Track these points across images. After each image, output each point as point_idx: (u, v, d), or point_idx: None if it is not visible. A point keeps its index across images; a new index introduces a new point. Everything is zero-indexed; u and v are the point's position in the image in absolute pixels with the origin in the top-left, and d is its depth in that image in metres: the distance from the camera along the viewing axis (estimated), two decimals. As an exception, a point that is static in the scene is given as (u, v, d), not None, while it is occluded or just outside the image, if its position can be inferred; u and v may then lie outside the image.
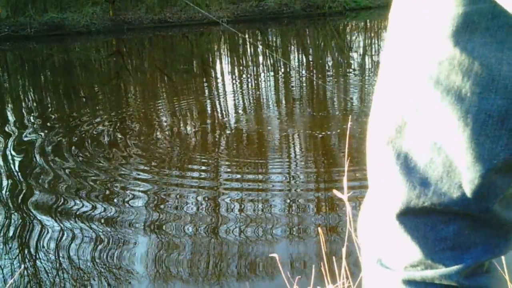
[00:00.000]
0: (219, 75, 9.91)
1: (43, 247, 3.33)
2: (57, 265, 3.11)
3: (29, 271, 3.08)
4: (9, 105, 8.55)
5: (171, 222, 3.59)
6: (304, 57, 11.80)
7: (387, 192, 0.46)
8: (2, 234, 3.56)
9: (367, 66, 9.77)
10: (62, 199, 4.03)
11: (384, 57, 0.47)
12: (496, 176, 0.40)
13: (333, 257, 1.74)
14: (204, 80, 9.41)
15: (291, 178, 4.26)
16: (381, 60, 0.47)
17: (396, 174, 0.44)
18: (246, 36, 14.45)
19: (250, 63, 11.63)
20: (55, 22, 17.04)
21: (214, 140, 5.55)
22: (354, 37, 14.82)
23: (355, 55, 11.37)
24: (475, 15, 0.38)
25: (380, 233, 0.47)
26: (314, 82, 8.60)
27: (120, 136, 5.81)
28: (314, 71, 9.54)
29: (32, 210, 3.89)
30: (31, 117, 7.23)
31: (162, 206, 3.83)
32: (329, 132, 5.31)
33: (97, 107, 7.46)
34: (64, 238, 3.42)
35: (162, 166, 4.73)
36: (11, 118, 7.40)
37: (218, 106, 7.28)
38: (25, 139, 5.85)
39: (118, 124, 6.39)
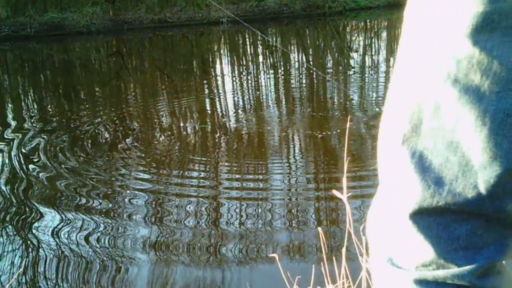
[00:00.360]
0: (219, 75, 9.91)
1: (45, 238, 3.34)
2: (59, 253, 3.12)
3: (32, 261, 3.08)
4: (9, 105, 8.55)
5: (171, 224, 3.59)
6: (304, 57, 11.80)
7: (400, 191, 0.46)
8: (4, 228, 3.56)
9: (367, 66, 9.77)
10: (62, 199, 4.04)
11: (400, 54, 0.46)
12: None
13: (333, 257, 1.74)
14: (204, 80, 9.41)
15: (291, 178, 4.26)
16: (396, 58, 0.47)
17: (411, 173, 0.44)
18: (266, 36, 14.47)
19: (250, 63, 11.63)
20: (55, 22, 17.04)
21: (213, 140, 5.55)
22: (354, 37, 14.82)
23: (355, 55, 11.37)
24: (495, 14, 0.37)
25: (392, 232, 0.47)
26: (314, 74, 8.60)
27: (120, 136, 5.82)
28: (313, 68, 9.55)
29: (33, 208, 3.90)
30: (31, 117, 7.23)
31: (162, 207, 3.83)
32: (329, 132, 5.32)
33: (97, 107, 7.46)
34: (65, 231, 3.43)
35: (161, 166, 4.73)
36: (11, 118, 7.40)
37: (218, 106, 7.28)
38: (25, 139, 5.85)
39: (118, 124, 6.39)
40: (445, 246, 0.44)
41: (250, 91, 8.28)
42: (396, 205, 0.46)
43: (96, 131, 6.12)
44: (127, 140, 5.63)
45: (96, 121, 6.57)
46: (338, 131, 5.27)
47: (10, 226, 3.67)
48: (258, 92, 8.12)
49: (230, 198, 3.89)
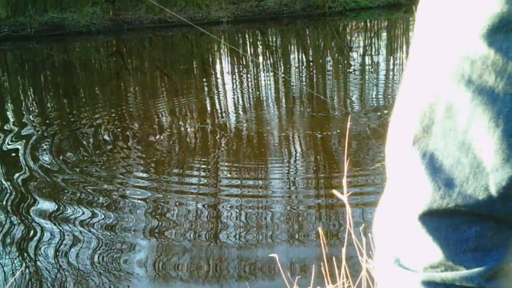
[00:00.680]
0: (219, 75, 9.91)
1: (42, 247, 3.34)
2: (57, 262, 3.11)
3: (30, 270, 3.08)
4: (9, 105, 8.55)
5: (171, 225, 3.59)
6: (304, 57, 11.80)
7: (409, 192, 0.45)
8: (2, 234, 3.56)
9: (367, 66, 9.77)
10: (62, 198, 4.04)
11: (412, 54, 0.46)
12: None
13: (333, 257, 1.74)
14: (204, 80, 9.41)
15: (291, 179, 4.26)
16: (408, 57, 0.47)
17: (421, 173, 0.43)
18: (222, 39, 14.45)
19: (250, 63, 11.63)
20: (55, 22, 17.04)
21: (213, 140, 5.55)
22: (354, 37, 14.82)
23: (355, 55, 11.37)
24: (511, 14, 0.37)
25: (400, 233, 0.47)
26: (314, 74, 8.61)
27: (120, 136, 5.82)
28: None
29: (32, 208, 3.89)
30: (31, 117, 7.23)
31: (161, 208, 3.83)
32: (329, 133, 5.31)
33: (97, 107, 7.46)
34: (63, 237, 3.42)
35: (161, 167, 4.73)
36: (11, 118, 7.40)
37: (218, 105, 7.28)
38: (25, 138, 5.85)
39: (118, 124, 6.39)
40: (454, 248, 0.43)
41: (250, 91, 8.28)
42: (405, 205, 0.46)
43: (96, 131, 6.12)
44: (127, 140, 5.64)
45: (96, 121, 6.57)
46: (338, 131, 5.27)
47: (9, 226, 3.67)
48: (258, 92, 8.12)
49: (231, 195, 3.90)
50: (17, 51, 15.36)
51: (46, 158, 5.10)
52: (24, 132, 6.20)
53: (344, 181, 1.36)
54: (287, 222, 3.46)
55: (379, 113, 5.96)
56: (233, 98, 7.66)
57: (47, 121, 6.78)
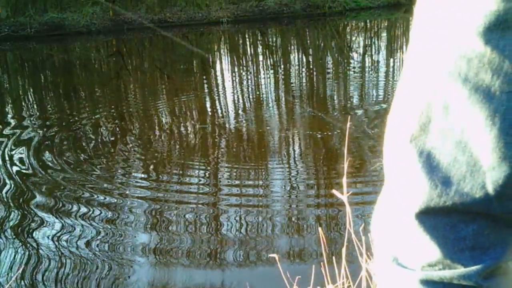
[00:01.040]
0: (219, 75, 9.91)
1: (44, 240, 3.34)
2: (59, 254, 3.11)
3: (31, 261, 3.08)
4: (9, 105, 8.55)
5: (170, 225, 3.59)
6: (304, 57, 11.80)
7: (407, 190, 0.45)
8: (3, 229, 3.56)
9: (367, 66, 9.77)
10: (62, 197, 4.04)
11: (410, 52, 0.46)
12: None
13: (333, 257, 1.74)
14: (204, 80, 9.40)
15: (291, 179, 4.26)
16: (406, 55, 0.46)
17: (418, 172, 0.43)
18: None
19: (250, 63, 11.62)
20: (55, 22, 17.03)
21: (213, 141, 5.55)
22: (354, 37, 14.82)
23: (355, 55, 11.37)
24: (509, 13, 0.37)
25: (398, 232, 0.47)
26: (314, 73, 8.60)
27: (119, 136, 5.82)
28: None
29: (32, 208, 3.89)
30: (31, 117, 7.23)
31: (161, 208, 3.83)
32: (329, 133, 5.31)
33: (97, 107, 7.46)
34: (65, 232, 3.42)
35: (161, 167, 4.73)
36: (11, 118, 7.40)
37: (218, 105, 7.28)
38: (25, 138, 5.85)
39: (118, 124, 6.39)
40: (451, 246, 0.43)
41: (250, 91, 8.28)
42: (402, 204, 0.46)
43: (96, 130, 6.12)
44: (126, 140, 5.63)
45: (96, 121, 6.57)
46: (338, 131, 5.27)
47: (8, 229, 3.67)
48: (258, 92, 8.12)
49: (230, 194, 3.90)
50: (17, 51, 15.36)
51: (45, 158, 5.10)
52: (23, 131, 6.20)
53: (344, 181, 1.36)
54: (287, 222, 3.46)
55: (379, 112, 5.96)
56: (233, 98, 7.66)
57: (47, 121, 6.78)
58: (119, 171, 4.68)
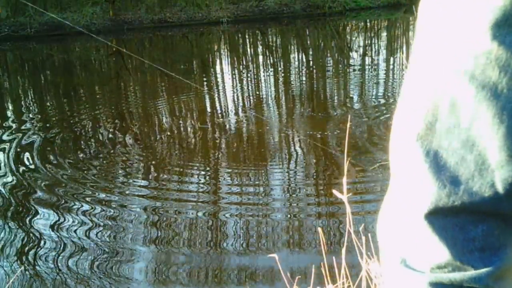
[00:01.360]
0: (219, 75, 9.91)
1: (44, 240, 3.34)
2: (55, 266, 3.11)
3: (29, 272, 3.08)
4: (9, 105, 8.55)
5: (170, 223, 3.59)
6: (304, 57, 11.80)
7: (414, 191, 0.44)
8: (3, 229, 3.56)
9: (367, 66, 9.77)
10: (61, 196, 4.04)
11: (415, 50, 0.45)
12: None
13: (333, 257, 1.74)
14: (204, 80, 9.40)
15: (291, 179, 4.26)
16: (411, 52, 0.46)
17: (425, 172, 0.43)
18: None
19: (250, 63, 11.62)
20: (55, 22, 17.04)
21: (214, 141, 5.55)
22: (354, 37, 14.82)
23: (355, 55, 11.37)
24: None
25: (406, 233, 0.46)
26: (314, 73, 8.60)
27: (119, 136, 5.82)
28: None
29: (32, 207, 3.89)
30: (31, 117, 7.23)
31: (161, 204, 3.83)
32: (329, 133, 5.31)
33: (97, 107, 7.46)
34: (65, 232, 3.43)
35: (160, 168, 4.73)
36: (11, 118, 7.40)
37: (218, 106, 7.28)
38: (25, 138, 5.85)
39: (118, 124, 6.39)
40: (461, 248, 0.43)
41: (250, 91, 8.28)
42: (410, 205, 0.45)
43: (96, 130, 6.12)
44: (126, 140, 5.63)
45: (96, 120, 6.57)
46: (338, 131, 5.27)
47: (8, 227, 3.67)
48: (258, 92, 8.12)
49: (230, 193, 3.89)
50: (17, 51, 15.36)
51: (46, 157, 5.10)
52: (23, 131, 6.20)
53: (344, 181, 1.36)
54: (287, 223, 3.46)
55: (379, 113, 5.96)
56: (233, 97, 7.66)
57: (47, 121, 6.78)
58: (119, 171, 4.68)
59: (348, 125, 1.70)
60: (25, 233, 3.55)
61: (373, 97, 7.06)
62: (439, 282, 0.44)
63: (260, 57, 12.27)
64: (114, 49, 13.53)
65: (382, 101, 6.69)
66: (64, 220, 3.68)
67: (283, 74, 9.47)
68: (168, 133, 5.93)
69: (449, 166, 0.42)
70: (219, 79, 9.36)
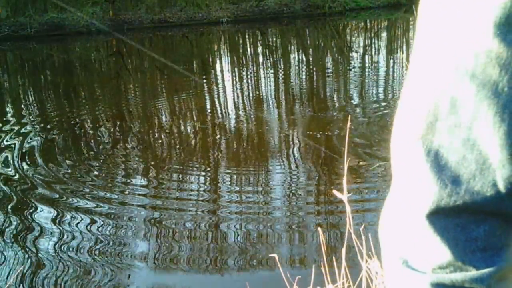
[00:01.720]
0: (219, 75, 9.91)
1: (44, 240, 3.34)
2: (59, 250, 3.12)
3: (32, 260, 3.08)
4: (9, 105, 8.55)
5: (170, 222, 3.59)
6: (304, 57, 11.80)
7: (416, 191, 0.44)
8: (2, 230, 3.56)
9: (367, 66, 9.77)
10: (61, 196, 4.04)
11: (415, 49, 0.44)
12: None
13: (333, 257, 1.74)
14: (204, 80, 9.40)
15: (291, 178, 4.26)
16: (412, 52, 0.46)
17: (426, 171, 0.42)
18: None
19: (250, 63, 11.62)
20: (55, 22, 17.05)
21: (214, 141, 5.55)
22: (354, 37, 14.82)
23: (355, 55, 11.37)
24: None
25: (407, 233, 0.45)
26: (314, 73, 8.60)
27: (119, 136, 5.82)
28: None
29: (33, 204, 3.89)
30: (31, 117, 7.23)
31: (162, 204, 3.83)
32: (329, 133, 5.31)
33: (97, 107, 7.46)
34: (65, 232, 3.43)
35: (160, 168, 4.73)
36: (11, 118, 7.40)
37: (218, 106, 7.28)
38: (25, 138, 5.85)
39: (118, 124, 6.39)
40: (462, 248, 0.42)
41: (250, 91, 8.28)
42: (411, 205, 0.45)
43: (96, 130, 6.13)
44: (126, 140, 5.63)
45: (96, 120, 6.57)
46: (337, 131, 5.27)
47: (8, 229, 3.67)
48: (257, 92, 8.12)
49: (230, 192, 3.90)
50: (17, 51, 15.36)
51: (45, 157, 5.10)
52: (23, 131, 6.20)
53: (344, 181, 1.36)
54: (287, 222, 3.46)
55: (379, 113, 5.96)
56: (233, 97, 7.66)
57: (47, 121, 6.78)
58: (119, 172, 4.68)
59: (348, 125, 1.70)
60: (27, 224, 3.56)
61: (373, 97, 7.06)
62: (440, 283, 0.44)
63: (260, 57, 12.27)
64: (114, 49, 13.53)
65: (382, 101, 6.69)
66: (65, 214, 3.68)
67: (283, 74, 9.47)
68: (168, 133, 5.93)
69: (450, 165, 0.41)
70: (219, 79, 9.36)
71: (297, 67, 10.40)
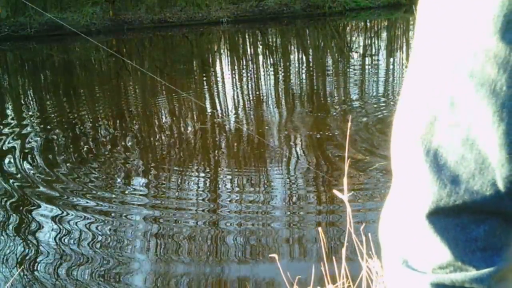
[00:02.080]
0: (219, 75, 9.91)
1: (44, 239, 3.34)
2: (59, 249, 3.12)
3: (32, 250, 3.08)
4: (9, 105, 8.55)
5: (171, 220, 3.59)
6: (304, 56, 11.80)
7: (415, 191, 0.44)
8: (3, 230, 3.56)
9: (367, 66, 9.77)
10: (61, 195, 4.04)
11: (414, 49, 0.44)
12: None
13: (333, 257, 1.74)
14: (204, 80, 9.40)
15: (291, 178, 4.26)
16: (411, 52, 0.46)
17: (426, 171, 0.42)
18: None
19: (250, 63, 11.62)
20: (55, 22, 17.05)
21: (214, 141, 5.55)
22: (354, 37, 14.82)
23: (355, 55, 11.37)
24: None
25: (407, 233, 0.45)
26: (314, 74, 8.60)
27: (119, 136, 5.82)
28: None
29: (34, 202, 3.90)
30: (31, 117, 7.23)
31: (162, 201, 3.83)
32: (329, 133, 5.31)
33: (97, 107, 7.46)
34: (65, 232, 3.43)
35: (160, 168, 4.73)
36: (11, 118, 7.40)
37: (218, 106, 7.28)
38: (25, 138, 5.85)
39: (118, 124, 6.39)
40: (462, 248, 0.42)
41: (250, 91, 8.28)
42: (411, 205, 0.45)
43: (96, 131, 6.12)
44: (126, 140, 5.63)
45: (96, 120, 6.57)
46: (337, 131, 5.27)
47: (8, 228, 3.67)
48: (257, 92, 8.12)
49: (230, 192, 3.90)
50: (17, 51, 15.36)
51: (44, 157, 5.10)
52: (23, 131, 6.20)
53: (345, 181, 1.36)
54: (287, 222, 3.46)
55: (379, 113, 5.96)
56: (233, 97, 7.66)
57: (47, 121, 6.77)
58: (118, 172, 4.68)
59: (349, 125, 1.70)
60: (24, 241, 3.56)
61: (373, 97, 7.06)
62: (440, 283, 0.44)
63: (260, 57, 12.27)
64: (114, 49, 13.53)
65: (382, 101, 6.69)
66: (65, 214, 3.68)
67: (283, 74, 9.48)
68: (168, 133, 5.93)
69: (449, 165, 0.41)
70: (219, 79, 9.36)
71: (297, 67, 10.40)
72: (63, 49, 15.34)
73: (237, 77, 9.69)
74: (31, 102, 8.69)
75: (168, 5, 19.00)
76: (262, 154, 4.87)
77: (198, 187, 4.16)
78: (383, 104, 6.44)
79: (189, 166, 4.64)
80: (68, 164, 4.84)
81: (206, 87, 8.70)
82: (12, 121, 7.03)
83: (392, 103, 6.41)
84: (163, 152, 5.18)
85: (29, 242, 3.43)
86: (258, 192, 3.98)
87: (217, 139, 5.59)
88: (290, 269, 2.84)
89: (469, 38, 0.39)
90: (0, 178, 4.61)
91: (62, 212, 3.80)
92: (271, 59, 11.82)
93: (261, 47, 13.97)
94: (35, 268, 3.10)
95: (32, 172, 4.70)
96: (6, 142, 5.75)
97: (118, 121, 6.55)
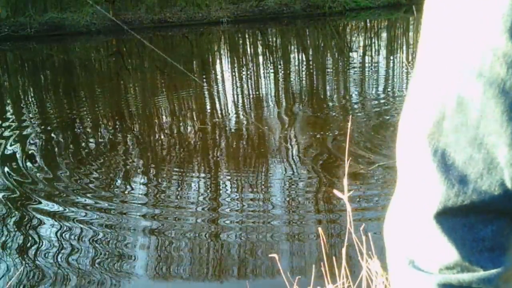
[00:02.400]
0: (219, 75, 9.91)
1: (44, 239, 3.34)
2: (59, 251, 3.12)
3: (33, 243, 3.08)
4: (9, 105, 8.55)
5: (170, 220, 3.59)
6: (304, 56, 11.80)
7: (423, 191, 0.43)
8: (3, 230, 3.56)
9: (367, 66, 9.77)
10: (61, 195, 4.04)
11: (421, 48, 0.44)
12: None
13: (333, 257, 1.74)
14: (204, 80, 9.40)
15: (291, 178, 4.26)
16: (418, 51, 0.45)
17: (433, 171, 0.42)
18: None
19: (250, 63, 11.62)
20: (55, 22, 17.05)
21: (214, 141, 5.55)
22: (354, 37, 14.82)
23: (355, 55, 11.37)
24: None
25: (414, 234, 0.45)
26: (314, 73, 8.60)
27: (119, 136, 5.82)
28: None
29: (33, 204, 3.89)
30: (31, 117, 7.23)
31: (162, 202, 3.83)
32: (330, 133, 5.31)
33: (96, 107, 7.46)
34: (65, 232, 3.43)
35: (160, 168, 4.73)
36: (11, 118, 7.40)
37: (218, 106, 7.28)
38: (25, 139, 5.85)
39: (118, 124, 6.39)
40: (470, 248, 0.42)
41: (250, 91, 8.28)
42: (418, 205, 0.44)
43: (96, 131, 6.12)
44: (126, 140, 5.63)
45: (96, 120, 6.57)
46: (337, 132, 5.27)
47: (8, 228, 3.67)
48: (257, 92, 8.12)
49: (230, 191, 3.90)
50: (17, 51, 15.36)
51: (44, 157, 5.10)
52: (23, 131, 6.20)
53: (345, 181, 1.36)
54: (287, 222, 3.46)
55: (379, 113, 5.95)
56: (233, 97, 7.66)
57: (47, 121, 6.77)
58: (118, 173, 4.68)
59: (349, 125, 1.70)
60: (25, 234, 3.56)
61: (373, 97, 7.06)
62: (447, 283, 0.43)
63: (260, 57, 12.27)
64: (114, 49, 13.51)
65: (383, 101, 6.69)
66: (65, 210, 3.68)
67: (283, 74, 9.47)
68: (168, 133, 5.93)
69: (457, 165, 0.41)
70: (219, 79, 9.36)
71: (297, 67, 10.40)
72: (63, 49, 15.34)
73: (237, 77, 9.69)
74: (31, 102, 8.69)
75: (168, 5, 19.00)
76: (261, 154, 4.87)
77: (198, 187, 4.16)
78: (384, 104, 6.43)
79: (189, 166, 4.64)
80: (67, 164, 4.83)
81: (206, 87, 8.70)
82: (12, 123, 7.03)
83: (392, 102, 6.41)
84: (163, 152, 5.18)
85: (30, 236, 3.43)
86: (258, 192, 3.98)
87: (216, 139, 5.59)
88: (290, 269, 2.85)
89: (477, 37, 0.39)
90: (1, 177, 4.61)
91: (63, 205, 3.80)
92: (271, 59, 11.82)
93: (261, 47, 13.97)
94: (38, 259, 3.10)
95: (31, 171, 4.70)
96: (6, 142, 5.75)
97: (118, 121, 6.55)
